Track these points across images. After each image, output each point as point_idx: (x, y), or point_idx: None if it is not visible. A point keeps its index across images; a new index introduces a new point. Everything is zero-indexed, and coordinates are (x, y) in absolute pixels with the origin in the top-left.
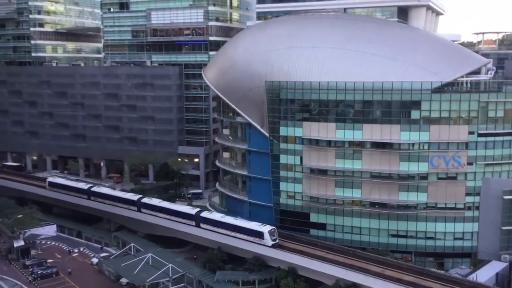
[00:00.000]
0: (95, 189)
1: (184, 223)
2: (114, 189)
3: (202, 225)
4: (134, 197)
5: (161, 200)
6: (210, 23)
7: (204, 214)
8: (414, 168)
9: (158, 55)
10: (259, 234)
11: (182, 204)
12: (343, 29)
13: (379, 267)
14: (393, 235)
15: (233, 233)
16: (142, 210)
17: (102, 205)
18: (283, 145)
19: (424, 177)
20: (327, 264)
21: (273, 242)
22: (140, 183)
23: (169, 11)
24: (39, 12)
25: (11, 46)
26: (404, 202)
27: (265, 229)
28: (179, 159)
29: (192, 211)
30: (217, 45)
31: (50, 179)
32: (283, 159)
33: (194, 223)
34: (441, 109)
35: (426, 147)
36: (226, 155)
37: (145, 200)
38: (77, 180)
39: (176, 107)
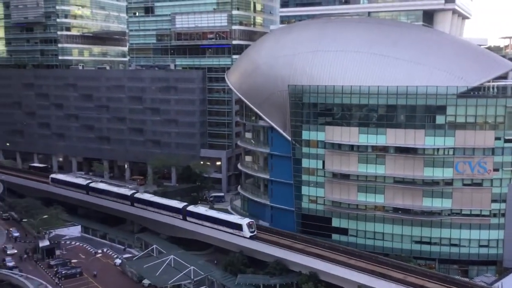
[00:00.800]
0: (93, 184)
1: (173, 217)
2: (111, 184)
3: (188, 218)
4: (128, 192)
5: (152, 195)
6: (234, 27)
7: (190, 208)
8: (438, 173)
9: (182, 59)
10: (238, 227)
11: (170, 199)
12: (367, 33)
13: (401, 274)
14: (416, 242)
15: (215, 226)
16: (135, 204)
17: (99, 200)
18: (305, 149)
19: (448, 183)
20: (349, 269)
21: (251, 234)
22: (162, 186)
23: (193, 15)
24: (66, 16)
25: (39, 49)
26: (428, 208)
27: (244, 221)
28: (202, 162)
29: (179, 205)
30: (240, 49)
31: (53, 175)
32: (305, 163)
33: (181, 217)
34: (467, 114)
35: (451, 152)
36: (248, 158)
37: (138, 195)
38: (79, 177)
39: (199, 111)
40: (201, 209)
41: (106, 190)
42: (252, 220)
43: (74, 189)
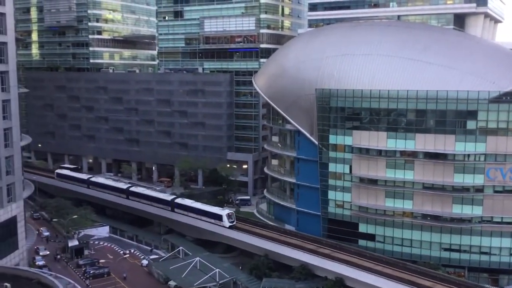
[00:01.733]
0: (93, 179)
1: (163, 208)
2: (113, 180)
3: (176, 210)
4: (124, 186)
5: (145, 188)
6: (262, 31)
7: (178, 200)
8: (469, 180)
9: (210, 62)
10: (219, 217)
11: (159, 192)
12: (396, 37)
13: (430, 281)
14: (445, 249)
15: (199, 216)
16: (130, 197)
17: (97, 192)
18: (332, 153)
19: (479, 189)
20: (376, 276)
21: (230, 224)
22: (189, 188)
23: (221, 19)
24: (97, 20)
25: (71, 52)
26: (458, 215)
27: (224, 212)
28: (228, 165)
29: (168, 197)
30: (268, 53)
31: (58, 170)
32: (332, 167)
33: (169, 208)
34: (499, 119)
35: (482, 158)
36: (274, 162)
37: (132, 188)
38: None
39: (226, 114)
40: (187, 201)
41: (103, 184)
42: (232, 211)
43: (78, 184)
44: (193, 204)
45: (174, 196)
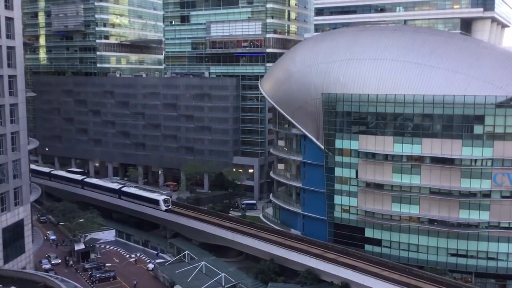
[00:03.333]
0: (87, 180)
1: (111, 196)
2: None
3: (122, 197)
4: (79, 177)
5: (98, 179)
6: (268, 35)
7: (124, 189)
8: (476, 185)
9: (216, 67)
10: (156, 202)
11: (108, 182)
12: (403, 41)
13: (436, 287)
14: (452, 254)
15: (141, 202)
16: (85, 187)
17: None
18: (338, 158)
19: (486, 194)
20: (382, 281)
21: (166, 208)
22: (195, 192)
23: (228, 23)
24: (105, 25)
25: (78, 57)
26: (465, 220)
27: (161, 198)
28: (234, 169)
29: (116, 186)
30: (274, 57)
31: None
32: (338, 172)
33: (117, 196)
34: (506, 124)
35: (489, 163)
36: (280, 166)
37: (87, 179)
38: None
39: (232, 118)
40: (132, 189)
41: (61, 175)
42: (168, 197)
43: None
44: (136, 191)
45: (121, 185)
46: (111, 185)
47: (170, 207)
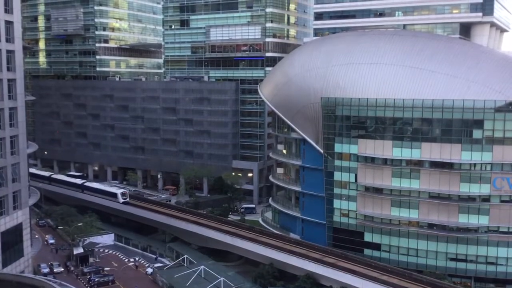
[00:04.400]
0: (54, 176)
1: (75, 191)
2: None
3: (85, 191)
4: (47, 174)
5: (64, 175)
6: (267, 39)
7: (86, 183)
8: (475, 189)
9: (216, 71)
10: (114, 195)
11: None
12: (402, 46)
13: None
14: (451, 259)
15: (101, 195)
16: (52, 183)
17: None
18: (337, 162)
19: (486, 199)
20: (382, 285)
21: (123, 201)
22: (194, 196)
23: (227, 27)
24: (104, 29)
25: (78, 60)
26: (464, 225)
27: (119, 191)
28: (233, 173)
29: (79, 181)
30: (273, 61)
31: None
32: (337, 176)
33: (80, 190)
34: (505, 128)
35: (488, 168)
36: (280, 170)
37: (54, 176)
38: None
39: (232, 122)
40: (94, 184)
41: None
42: (126, 191)
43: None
44: (97, 186)
45: (84, 181)
46: (75, 180)
47: (127, 199)
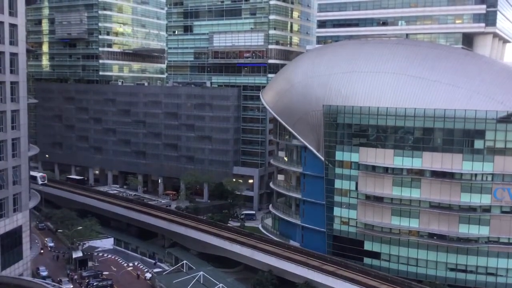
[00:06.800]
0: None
1: None
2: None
3: None
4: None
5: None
6: (270, 46)
7: None
8: (476, 200)
9: (218, 77)
10: (34, 178)
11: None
12: (405, 55)
13: None
14: (451, 269)
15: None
16: None
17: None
18: (338, 170)
19: (486, 209)
20: None
21: (42, 183)
22: (195, 202)
23: (230, 34)
24: (108, 33)
25: (81, 64)
26: (464, 235)
27: (38, 175)
28: (234, 180)
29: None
30: (276, 68)
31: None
32: (338, 184)
33: None
34: (507, 139)
35: (489, 178)
36: (280, 177)
37: None
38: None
39: (233, 128)
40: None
41: None
42: (44, 174)
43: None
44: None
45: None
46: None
47: (45, 181)
